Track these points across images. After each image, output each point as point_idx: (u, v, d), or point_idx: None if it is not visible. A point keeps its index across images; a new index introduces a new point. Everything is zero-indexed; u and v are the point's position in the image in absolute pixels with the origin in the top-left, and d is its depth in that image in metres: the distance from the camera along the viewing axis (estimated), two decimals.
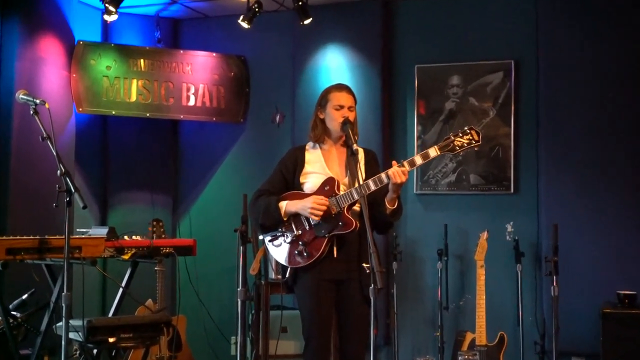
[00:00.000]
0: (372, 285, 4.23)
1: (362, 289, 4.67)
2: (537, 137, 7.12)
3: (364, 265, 4.46)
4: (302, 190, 4.81)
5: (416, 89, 7.46)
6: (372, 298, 4.24)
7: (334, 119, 4.80)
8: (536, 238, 7.06)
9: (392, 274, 7.16)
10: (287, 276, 4.79)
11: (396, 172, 4.55)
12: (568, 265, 6.60)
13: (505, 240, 6.97)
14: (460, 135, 4.62)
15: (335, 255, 4.70)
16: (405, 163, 4.60)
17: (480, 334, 6.55)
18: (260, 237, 4.92)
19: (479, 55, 7.31)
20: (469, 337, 6.65)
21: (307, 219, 4.70)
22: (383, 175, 4.60)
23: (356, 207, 4.72)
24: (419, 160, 4.62)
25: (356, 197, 4.60)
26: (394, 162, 4.63)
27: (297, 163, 4.87)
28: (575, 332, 6.66)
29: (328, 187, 4.72)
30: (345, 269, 4.71)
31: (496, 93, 7.22)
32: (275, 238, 4.80)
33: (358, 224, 4.63)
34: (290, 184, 4.85)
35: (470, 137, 4.61)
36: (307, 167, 4.85)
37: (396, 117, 7.57)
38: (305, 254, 4.68)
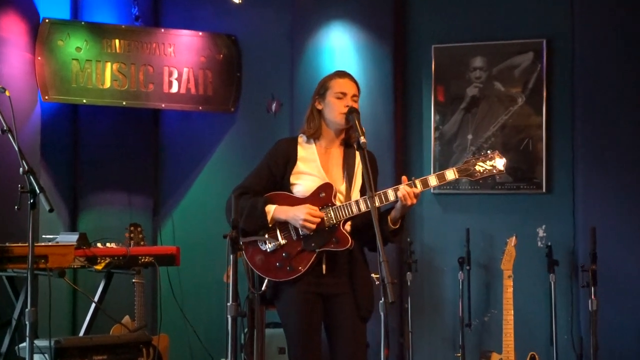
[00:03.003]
0: (383, 298, 4.23)
1: (356, 304, 4.68)
2: (572, 127, 7.13)
3: (373, 275, 4.47)
4: (290, 192, 4.80)
5: (433, 72, 7.47)
6: (382, 314, 4.25)
7: (334, 109, 4.78)
8: (572, 244, 7.07)
9: (406, 285, 7.17)
10: (263, 288, 4.77)
11: (407, 195, 4.57)
12: (608, 275, 6.61)
13: (536, 247, 6.99)
14: (482, 159, 4.71)
15: (323, 272, 4.71)
16: (417, 182, 4.62)
17: (507, 355, 6.56)
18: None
19: (505, 33, 7.32)
20: (494, 358, 6.67)
21: (297, 229, 4.70)
22: (390, 192, 4.62)
23: (347, 225, 4.71)
24: (433, 181, 4.65)
25: (355, 211, 4.63)
26: (404, 178, 4.66)
27: (288, 159, 4.84)
28: (616, 352, 6.67)
29: (324, 195, 4.71)
30: (333, 283, 4.72)
31: (525, 77, 7.23)
32: (254, 243, 4.77)
33: (353, 243, 4.65)
34: (278, 183, 4.82)
35: (493, 165, 4.71)
36: (300, 166, 4.82)
37: (410, 105, 7.58)
38: (288, 268, 4.67)
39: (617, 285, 6.73)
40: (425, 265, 7.40)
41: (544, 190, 7.17)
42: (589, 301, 6.24)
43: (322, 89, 4.85)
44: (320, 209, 4.66)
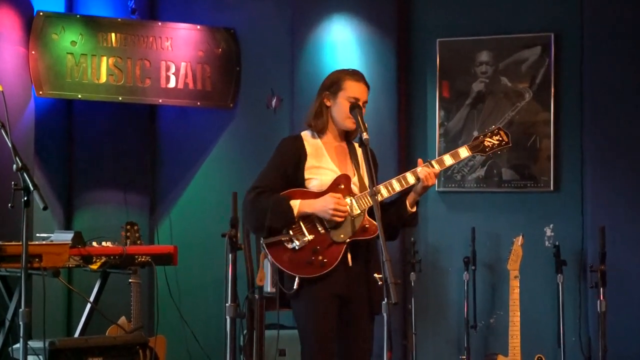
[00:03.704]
0: (386, 299, 4.24)
1: (371, 306, 4.74)
2: (581, 124, 7.13)
3: (376, 275, 4.48)
4: (305, 187, 4.82)
5: (438, 67, 7.48)
6: (385, 315, 4.26)
7: (344, 112, 4.81)
8: (580, 244, 7.08)
9: (410, 286, 7.17)
10: (295, 286, 4.77)
11: (428, 175, 4.70)
12: (617, 276, 6.62)
13: (543, 247, 7.00)
14: (489, 135, 4.89)
15: (350, 264, 4.75)
16: (434, 163, 4.75)
17: (514, 358, 6.56)
18: (261, 241, 4.88)
19: (512, 27, 7.33)
20: None
21: (322, 221, 4.72)
22: (409, 175, 4.72)
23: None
24: (448, 160, 4.80)
25: (380, 199, 4.66)
26: (419, 161, 4.77)
27: (299, 156, 4.85)
28: (625, 355, 6.68)
29: (343, 186, 4.76)
30: (357, 281, 4.76)
31: (533, 72, 7.23)
32: (277, 243, 4.78)
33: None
34: (292, 181, 4.84)
35: (500, 138, 4.90)
36: (311, 161, 4.85)
37: (414, 101, 7.59)
38: (319, 263, 4.69)
39: (627, 286, 6.74)
40: (430, 265, 7.41)
41: (551, 188, 7.17)
42: (598, 302, 6.25)
43: (334, 87, 4.87)
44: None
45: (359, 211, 4.71)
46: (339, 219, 4.67)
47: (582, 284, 7.02)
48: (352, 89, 4.82)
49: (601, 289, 6.23)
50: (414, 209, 4.82)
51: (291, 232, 4.74)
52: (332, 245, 4.71)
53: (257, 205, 4.74)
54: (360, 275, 4.76)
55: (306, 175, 4.83)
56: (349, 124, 4.81)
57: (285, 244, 4.74)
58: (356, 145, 4.91)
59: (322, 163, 4.84)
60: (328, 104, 4.87)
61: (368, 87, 4.90)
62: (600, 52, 7.02)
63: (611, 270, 6.37)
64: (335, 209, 4.65)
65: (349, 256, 4.74)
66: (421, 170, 4.71)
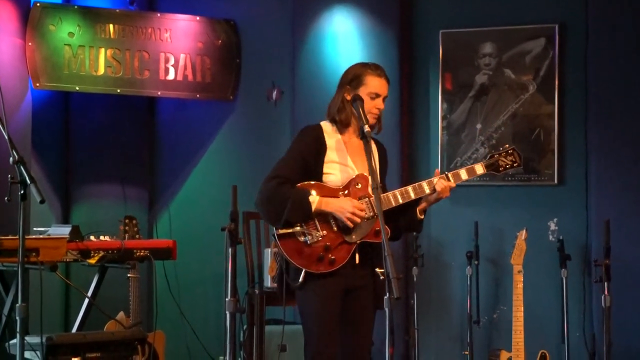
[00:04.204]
0: (387, 294, 4.27)
1: (374, 299, 4.81)
2: (585, 116, 7.14)
3: (378, 270, 4.51)
4: (322, 180, 4.85)
5: (441, 59, 7.48)
6: (387, 310, 4.29)
7: (365, 108, 4.82)
8: (585, 238, 7.09)
9: (412, 281, 7.18)
10: (300, 279, 4.80)
11: (446, 188, 4.85)
12: (622, 270, 6.63)
13: (547, 241, 7.01)
14: (504, 155, 5.06)
15: (357, 262, 4.80)
16: (450, 176, 4.89)
17: (517, 353, 6.58)
18: (275, 232, 4.88)
19: (516, 18, 7.33)
20: (504, 356, 6.68)
21: (336, 220, 4.76)
22: (425, 184, 4.85)
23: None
24: (464, 175, 4.96)
25: (394, 204, 4.80)
26: (437, 171, 4.93)
27: (320, 147, 4.87)
28: (631, 350, 6.69)
29: (360, 186, 4.82)
30: (361, 277, 4.83)
31: (537, 64, 7.24)
32: (290, 235, 4.81)
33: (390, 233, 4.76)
34: (312, 172, 4.86)
35: (513, 160, 5.09)
36: (331, 155, 4.87)
37: (417, 93, 7.59)
38: (329, 260, 4.74)
39: (632, 280, 6.75)
40: (432, 259, 7.42)
41: (555, 182, 7.18)
42: (602, 297, 6.26)
43: (355, 81, 4.90)
44: (358, 200, 4.79)
45: (372, 214, 4.77)
46: (351, 224, 4.73)
47: (586, 278, 7.04)
48: (373, 84, 4.87)
49: (606, 284, 6.24)
50: (422, 217, 4.92)
51: (305, 227, 4.78)
52: (343, 244, 4.77)
53: (277, 197, 4.76)
54: (365, 271, 4.82)
55: (325, 169, 4.86)
56: (369, 119, 4.81)
57: (298, 237, 4.78)
58: (372, 143, 4.90)
59: (342, 159, 4.88)
60: (349, 98, 4.89)
61: (389, 81, 4.96)
62: (605, 44, 7.02)
63: (616, 264, 6.38)
64: (352, 213, 4.72)
65: (357, 256, 4.80)
66: (438, 182, 4.83)
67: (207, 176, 8.08)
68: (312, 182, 4.82)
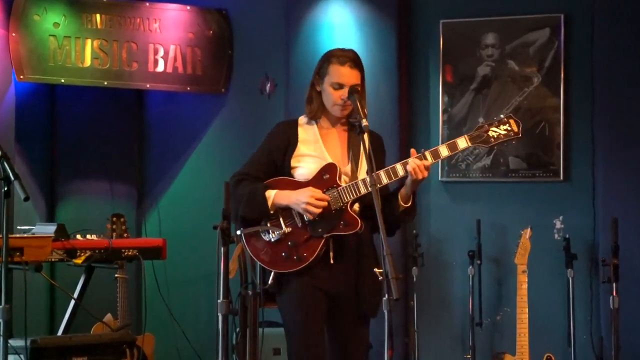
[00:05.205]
0: (386, 295, 4.26)
1: (358, 305, 4.73)
2: (592, 110, 7.14)
3: (376, 270, 4.47)
4: (292, 176, 4.82)
5: (441, 50, 7.49)
6: (386, 312, 4.28)
7: (329, 99, 4.78)
8: (591, 236, 7.10)
9: (412, 281, 7.19)
10: (270, 281, 4.79)
11: (417, 168, 4.60)
12: (631, 270, 6.64)
13: (553, 240, 7.02)
14: (496, 124, 4.74)
15: (331, 261, 4.72)
16: (427, 154, 4.65)
17: (521, 357, 6.59)
18: (238, 232, 4.89)
19: (519, 7, 7.33)
20: None
21: (301, 214, 4.72)
22: (399, 166, 4.65)
23: (356, 206, 4.75)
24: (444, 151, 4.68)
25: (363, 191, 4.64)
26: (412, 151, 4.69)
27: (288, 142, 4.84)
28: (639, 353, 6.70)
29: (328, 176, 4.72)
30: (342, 279, 4.74)
31: (541, 55, 7.24)
32: (256, 234, 4.80)
33: (363, 225, 4.67)
34: (280, 168, 4.84)
35: (508, 128, 4.73)
36: (301, 148, 4.83)
37: (416, 86, 7.59)
38: (295, 257, 4.68)
39: None
40: (433, 259, 7.42)
41: (561, 178, 7.18)
42: (610, 298, 6.27)
43: (321, 70, 4.83)
44: (324, 192, 4.69)
45: (341, 204, 4.68)
46: (311, 216, 4.65)
47: (593, 278, 7.04)
48: (336, 74, 4.75)
49: (614, 284, 6.24)
50: (408, 204, 4.74)
51: (269, 224, 4.74)
52: (310, 239, 4.69)
53: (234, 194, 4.76)
54: (346, 274, 4.73)
55: (292, 164, 4.81)
56: (337, 111, 4.77)
57: (262, 235, 4.76)
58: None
59: (314, 150, 4.82)
60: (318, 88, 4.85)
61: (358, 67, 4.79)
62: (613, 34, 7.02)
63: (624, 264, 6.38)
64: (308, 203, 4.62)
65: (331, 253, 4.72)
66: (410, 162, 4.61)
67: (198, 172, 8.08)
68: (279, 178, 4.80)
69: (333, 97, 4.75)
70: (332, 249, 4.71)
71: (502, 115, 4.78)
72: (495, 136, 4.72)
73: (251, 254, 4.77)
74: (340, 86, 4.73)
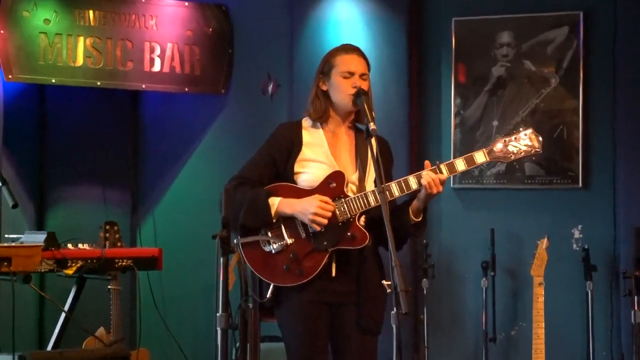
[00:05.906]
0: (395, 309, 4.22)
1: (359, 316, 4.71)
2: (613, 113, 7.14)
3: (384, 282, 4.46)
4: (294, 182, 4.78)
5: (454, 49, 7.48)
6: (394, 326, 4.24)
7: (341, 90, 4.77)
8: (612, 247, 7.08)
9: (422, 294, 7.18)
10: (268, 295, 4.75)
11: (432, 182, 4.61)
12: None
13: (571, 250, 7.01)
14: (516, 139, 4.77)
15: (333, 274, 4.70)
16: (443, 167, 4.67)
17: None
18: (235, 241, 4.84)
19: (536, 4, 7.34)
20: None
21: (306, 225, 4.68)
22: (412, 179, 4.66)
23: (362, 219, 4.73)
24: (461, 165, 4.71)
25: (373, 203, 4.64)
26: (427, 163, 4.69)
27: (292, 145, 4.83)
28: None
29: (335, 185, 4.71)
30: (343, 289, 4.73)
31: (560, 55, 7.23)
32: (254, 244, 4.75)
33: (370, 239, 4.64)
34: (281, 172, 4.82)
35: (529, 144, 4.77)
36: (306, 152, 4.81)
37: (427, 87, 7.59)
38: (297, 271, 4.67)
39: None
40: (444, 270, 7.41)
41: (580, 185, 7.17)
42: (632, 312, 6.27)
43: (325, 67, 4.85)
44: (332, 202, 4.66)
45: (348, 216, 4.65)
46: (318, 227, 4.62)
47: (614, 291, 7.03)
48: (344, 63, 4.79)
49: (635, 298, 6.26)
50: (419, 219, 4.74)
51: (270, 233, 4.72)
52: (313, 252, 4.67)
53: (234, 199, 4.68)
54: (348, 286, 4.72)
55: (295, 169, 4.80)
56: (348, 102, 4.75)
57: (262, 245, 4.72)
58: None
59: (317, 155, 4.80)
60: (324, 87, 4.85)
61: (364, 57, 4.84)
62: (635, 32, 7.04)
63: None
64: (315, 213, 4.60)
65: (334, 266, 4.69)
66: (425, 176, 4.62)
67: (195, 179, 8.09)
68: (281, 184, 4.77)
69: (344, 87, 4.75)
70: (334, 262, 4.69)
71: (521, 129, 4.79)
72: (515, 152, 4.76)
73: (249, 265, 4.74)
74: (350, 74, 4.76)
